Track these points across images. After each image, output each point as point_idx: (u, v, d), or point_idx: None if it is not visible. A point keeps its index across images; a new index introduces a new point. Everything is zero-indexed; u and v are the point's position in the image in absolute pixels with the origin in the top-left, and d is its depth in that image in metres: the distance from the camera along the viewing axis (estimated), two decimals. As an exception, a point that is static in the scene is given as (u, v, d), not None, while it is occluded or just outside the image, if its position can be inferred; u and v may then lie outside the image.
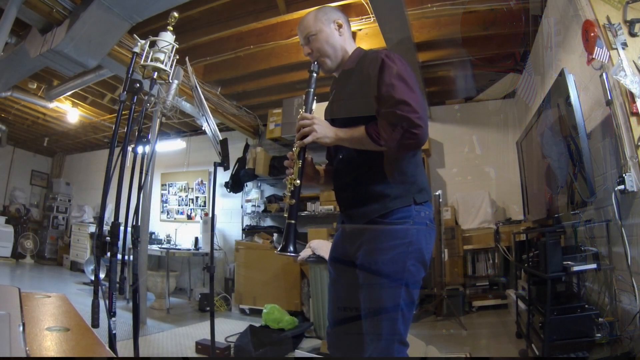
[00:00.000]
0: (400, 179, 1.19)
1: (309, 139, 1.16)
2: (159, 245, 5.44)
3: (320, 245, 3.30)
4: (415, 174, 1.22)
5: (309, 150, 1.23)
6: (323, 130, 1.16)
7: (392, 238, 1.15)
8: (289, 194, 1.18)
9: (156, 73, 1.78)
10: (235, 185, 5.20)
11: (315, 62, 1.28)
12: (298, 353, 2.70)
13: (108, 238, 1.64)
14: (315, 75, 1.26)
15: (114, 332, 1.44)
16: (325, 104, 1.39)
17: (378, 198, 1.17)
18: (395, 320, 1.13)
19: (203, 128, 2.39)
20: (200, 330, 3.39)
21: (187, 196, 6.14)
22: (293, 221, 1.16)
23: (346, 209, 1.28)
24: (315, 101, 1.25)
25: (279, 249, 1.16)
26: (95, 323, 1.37)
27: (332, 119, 1.28)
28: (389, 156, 1.16)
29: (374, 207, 1.17)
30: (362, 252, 1.19)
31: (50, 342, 0.69)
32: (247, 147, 5.48)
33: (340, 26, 1.30)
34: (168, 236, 5.82)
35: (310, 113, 1.22)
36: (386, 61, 1.15)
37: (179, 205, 6.20)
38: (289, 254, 1.14)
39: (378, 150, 1.14)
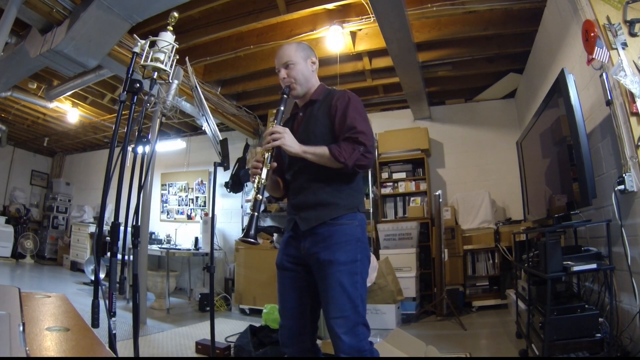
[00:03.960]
0: (348, 192, 1.44)
1: (276, 143, 1.36)
2: (159, 245, 5.44)
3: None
4: (359, 189, 1.51)
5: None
6: (290, 140, 1.38)
7: (344, 234, 1.39)
8: (256, 190, 1.37)
9: (156, 73, 1.78)
10: (235, 185, 5.19)
11: (287, 87, 1.51)
12: (298, 353, 2.69)
13: (108, 238, 1.63)
14: (285, 97, 1.50)
15: (114, 332, 1.44)
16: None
17: (329, 205, 1.41)
18: (357, 304, 1.33)
19: (203, 128, 2.39)
20: (200, 330, 3.39)
21: (187, 196, 6.15)
22: (256, 213, 1.35)
23: (300, 212, 1.46)
24: (283, 118, 1.49)
25: (242, 235, 1.33)
26: (95, 323, 1.37)
27: (296, 136, 1.49)
28: (343, 172, 1.39)
29: (326, 212, 1.41)
30: (318, 249, 1.38)
31: (50, 342, 0.69)
32: (247, 147, 5.49)
33: (313, 63, 1.57)
34: (168, 236, 5.82)
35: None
36: (352, 99, 1.45)
37: (179, 205, 6.20)
38: (250, 240, 1.30)
39: (335, 167, 1.37)
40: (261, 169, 1.38)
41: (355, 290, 1.33)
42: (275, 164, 1.42)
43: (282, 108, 1.47)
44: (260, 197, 1.36)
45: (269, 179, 1.42)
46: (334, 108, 1.45)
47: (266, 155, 1.39)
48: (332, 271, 1.34)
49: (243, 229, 4.66)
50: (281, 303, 1.48)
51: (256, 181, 1.37)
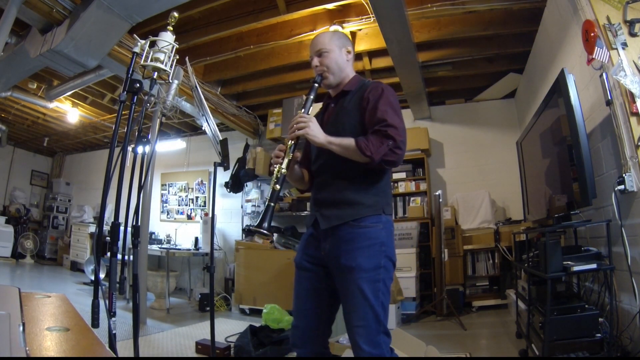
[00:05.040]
0: (374, 192, 1.36)
1: (301, 132, 1.31)
2: (159, 245, 5.44)
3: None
4: (386, 190, 1.41)
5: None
6: (316, 130, 1.32)
7: (367, 238, 1.31)
8: (275, 180, 1.31)
9: (156, 73, 1.78)
10: (235, 185, 5.20)
11: (320, 75, 1.45)
12: (298, 353, 2.69)
13: (108, 238, 1.64)
14: (317, 85, 1.45)
15: (114, 332, 1.44)
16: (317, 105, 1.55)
17: (353, 204, 1.33)
18: (379, 313, 1.26)
19: (203, 128, 2.39)
20: (200, 330, 3.39)
21: (187, 196, 6.15)
22: (272, 204, 1.29)
23: (321, 209, 1.40)
24: (312, 107, 1.42)
25: (255, 224, 1.27)
26: (95, 323, 1.37)
27: (325, 128, 1.43)
28: (369, 170, 1.33)
29: (349, 211, 1.33)
30: (339, 252, 1.31)
31: (50, 342, 0.69)
32: (247, 147, 5.48)
33: (348, 52, 1.50)
34: (168, 236, 5.82)
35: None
36: (385, 91, 1.36)
37: (179, 205, 6.20)
38: (262, 231, 1.26)
39: (361, 162, 1.29)
40: (282, 158, 1.32)
41: (376, 298, 1.26)
42: (298, 154, 1.36)
43: (311, 97, 1.41)
44: (279, 187, 1.29)
45: (291, 169, 1.36)
46: (365, 100, 1.37)
47: (289, 143, 1.33)
48: (353, 278, 1.27)
49: (244, 229, 4.65)
50: (296, 303, 1.42)
51: (275, 170, 1.31)
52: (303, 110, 1.38)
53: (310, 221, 1.44)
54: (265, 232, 1.26)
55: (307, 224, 1.49)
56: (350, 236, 1.31)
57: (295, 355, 1.42)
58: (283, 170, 1.31)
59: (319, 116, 1.51)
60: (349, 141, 1.29)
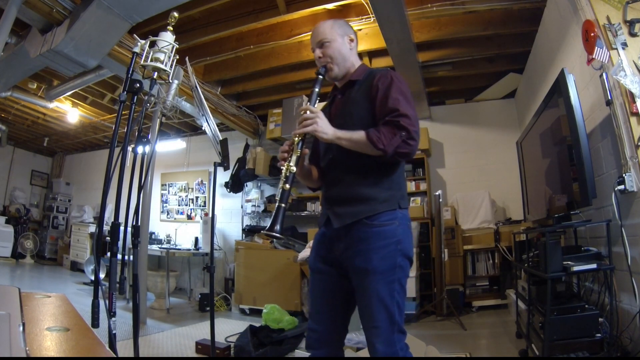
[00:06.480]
0: (388, 185, 1.30)
1: (309, 129, 1.24)
2: (159, 245, 5.44)
3: (320, 245, 3.29)
4: (400, 183, 1.35)
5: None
6: (324, 125, 1.25)
7: (382, 238, 1.25)
8: (284, 179, 1.24)
9: (156, 73, 1.78)
10: (235, 185, 5.20)
11: (324, 67, 1.39)
12: (298, 353, 2.70)
13: (108, 238, 1.64)
14: (321, 77, 1.38)
15: (114, 332, 1.44)
16: (323, 103, 1.51)
17: (366, 200, 1.27)
18: (394, 313, 1.23)
19: (203, 128, 2.39)
20: (200, 330, 3.39)
21: (187, 196, 6.15)
22: (283, 205, 1.23)
23: (333, 207, 1.34)
24: (318, 100, 1.35)
25: (266, 228, 1.21)
26: (95, 323, 1.37)
27: (333, 120, 1.36)
28: (382, 163, 1.26)
29: (362, 208, 1.27)
30: (353, 253, 1.27)
31: (50, 342, 0.69)
32: (247, 147, 5.48)
33: (351, 41, 1.43)
34: (168, 236, 5.83)
35: None
36: (395, 79, 1.30)
37: (179, 205, 6.20)
38: (274, 234, 1.19)
39: (372, 155, 1.23)
40: (290, 155, 1.25)
41: (392, 299, 1.22)
42: (307, 151, 1.30)
43: (316, 90, 1.36)
44: (288, 186, 1.22)
45: (300, 167, 1.28)
46: (374, 89, 1.30)
47: (297, 140, 1.26)
48: (368, 280, 1.23)
49: (243, 230, 4.65)
50: (312, 306, 1.40)
51: (284, 169, 1.24)
52: (309, 103, 1.32)
53: (322, 220, 1.39)
54: (278, 235, 1.19)
55: (319, 224, 1.42)
56: (364, 235, 1.25)
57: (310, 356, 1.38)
58: (292, 169, 1.24)
59: (326, 109, 1.45)
60: (360, 135, 1.22)
